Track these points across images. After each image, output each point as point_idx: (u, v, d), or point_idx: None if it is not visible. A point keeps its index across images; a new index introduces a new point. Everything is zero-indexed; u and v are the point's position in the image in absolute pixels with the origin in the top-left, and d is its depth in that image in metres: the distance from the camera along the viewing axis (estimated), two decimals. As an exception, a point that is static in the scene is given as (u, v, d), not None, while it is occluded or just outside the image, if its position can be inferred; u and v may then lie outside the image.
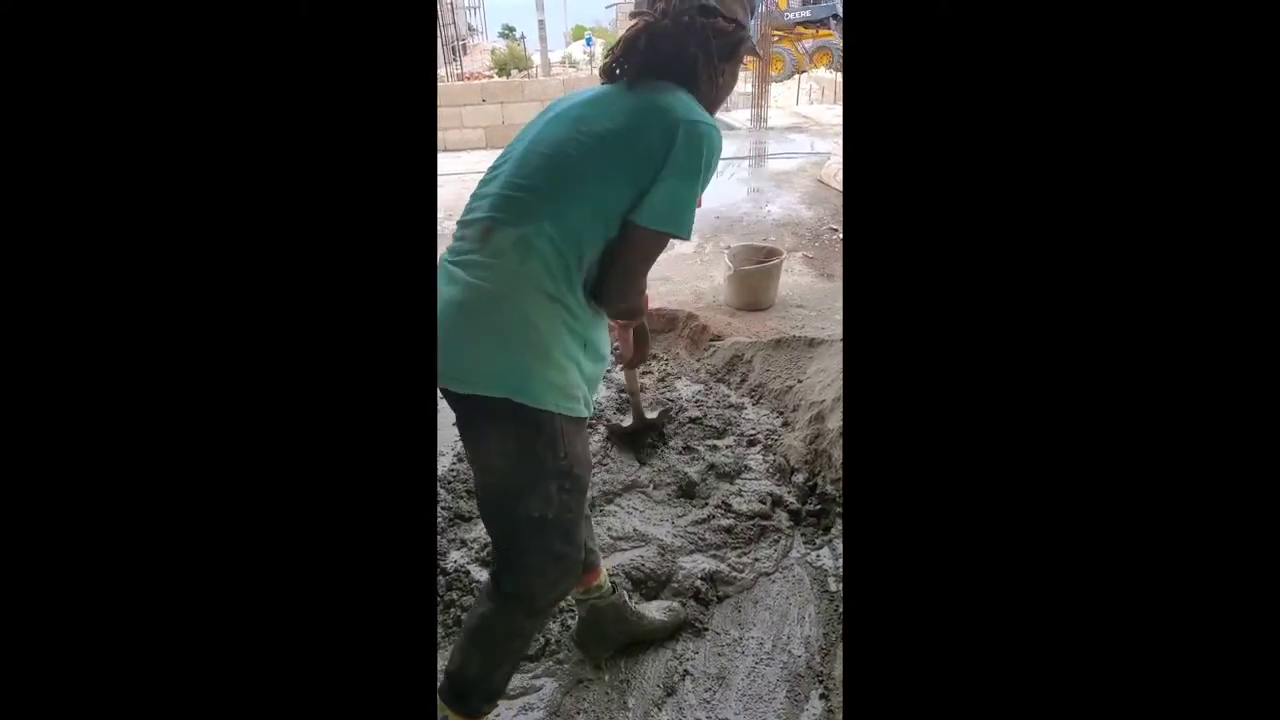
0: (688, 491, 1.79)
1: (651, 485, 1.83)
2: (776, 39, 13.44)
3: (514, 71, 8.34)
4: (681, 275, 3.55)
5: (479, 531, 1.66)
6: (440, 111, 6.87)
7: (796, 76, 12.07)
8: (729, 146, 7.04)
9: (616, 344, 1.43)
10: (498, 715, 1.27)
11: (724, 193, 5.30)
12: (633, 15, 1.03)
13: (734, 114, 9.21)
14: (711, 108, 1.05)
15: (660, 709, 1.28)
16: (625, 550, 1.62)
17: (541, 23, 9.74)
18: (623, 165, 0.91)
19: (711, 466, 1.86)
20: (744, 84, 9.77)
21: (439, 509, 1.73)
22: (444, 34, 10.58)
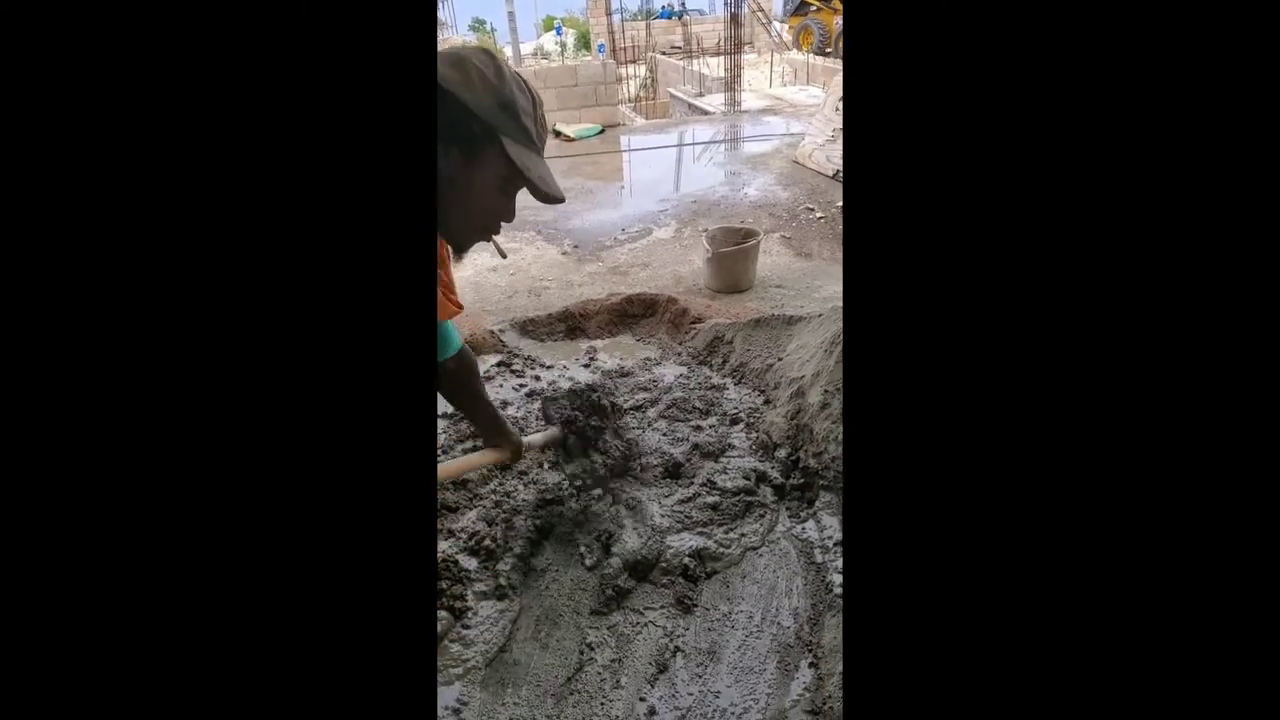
0: (673, 472, 1.80)
1: (638, 468, 1.84)
2: (814, 9, 13.15)
3: (485, 64, 8.28)
4: (661, 260, 3.55)
5: (465, 521, 1.66)
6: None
7: (770, 58, 12.04)
8: (706, 130, 7.04)
9: None
10: (490, 703, 1.28)
11: (701, 177, 5.30)
12: None
13: (708, 99, 9.18)
14: (454, 217, 0.83)
15: (653, 686, 1.29)
16: (613, 533, 1.63)
17: (511, 14, 9.65)
18: None
19: (696, 446, 1.87)
20: (719, 69, 9.75)
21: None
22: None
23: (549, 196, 0.87)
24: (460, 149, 0.81)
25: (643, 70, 12.56)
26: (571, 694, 1.28)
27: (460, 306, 0.97)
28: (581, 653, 1.36)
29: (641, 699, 1.27)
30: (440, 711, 1.27)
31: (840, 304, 2.30)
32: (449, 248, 0.92)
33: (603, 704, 1.26)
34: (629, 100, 11.25)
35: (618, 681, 1.30)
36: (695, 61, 11.56)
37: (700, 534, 1.60)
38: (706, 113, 8.56)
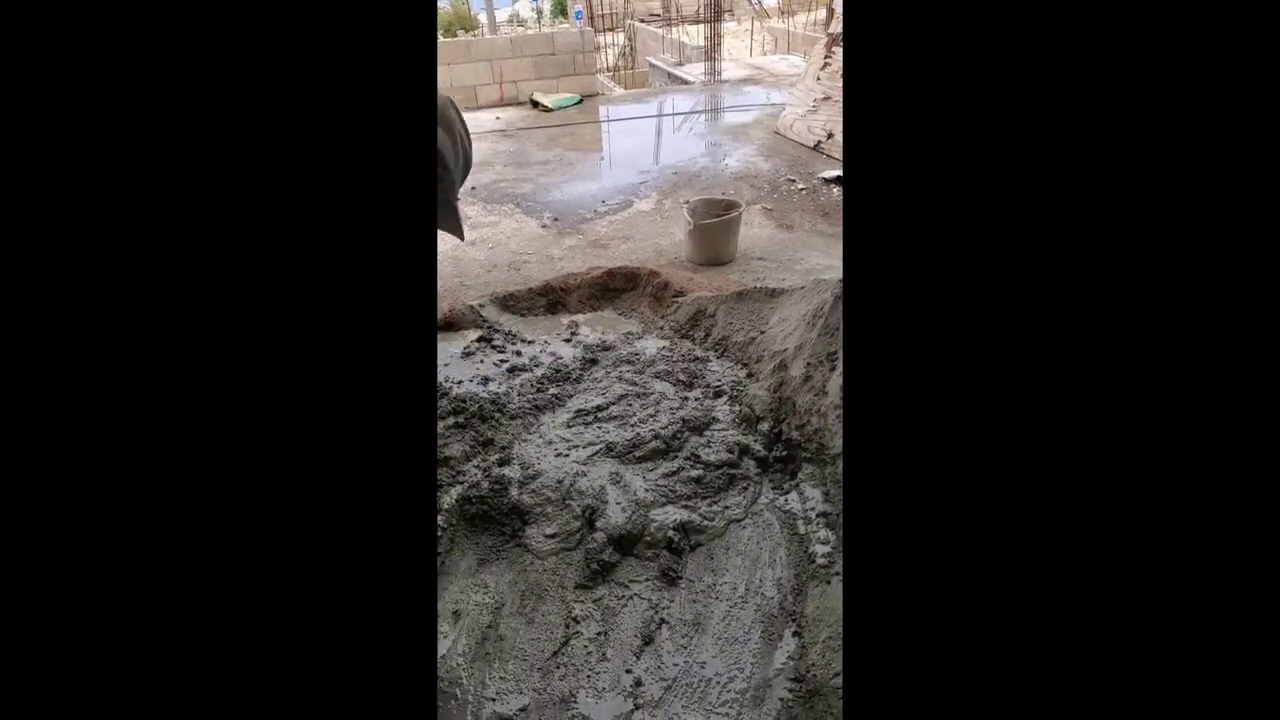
0: (658, 446, 1.80)
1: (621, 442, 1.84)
2: None
3: (460, 32, 8.04)
4: (642, 233, 3.52)
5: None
6: (384, 76, 6.58)
7: (751, 26, 11.86)
8: (686, 101, 6.96)
9: None
10: (487, 675, 1.28)
11: (682, 148, 5.24)
12: None
13: (688, 68, 9.05)
14: None
15: (639, 658, 1.30)
16: (597, 508, 1.63)
17: (485, -21, 9.36)
18: None
19: (681, 420, 1.87)
20: (699, 38, 9.59)
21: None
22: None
23: (462, 236, 1.04)
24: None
25: (621, 38, 12.33)
26: (558, 667, 1.29)
27: None
28: (567, 626, 1.37)
29: (628, 671, 1.28)
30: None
31: (822, 276, 2.29)
32: None
33: (589, 676, 1.27)
34: (607, 69, 11.05)
35: (604, 654, 1.31)
36: (675, 29, 11.36)
37: (685, 507, 1.61)
38: (686, 82, 8.44)
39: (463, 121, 0.97)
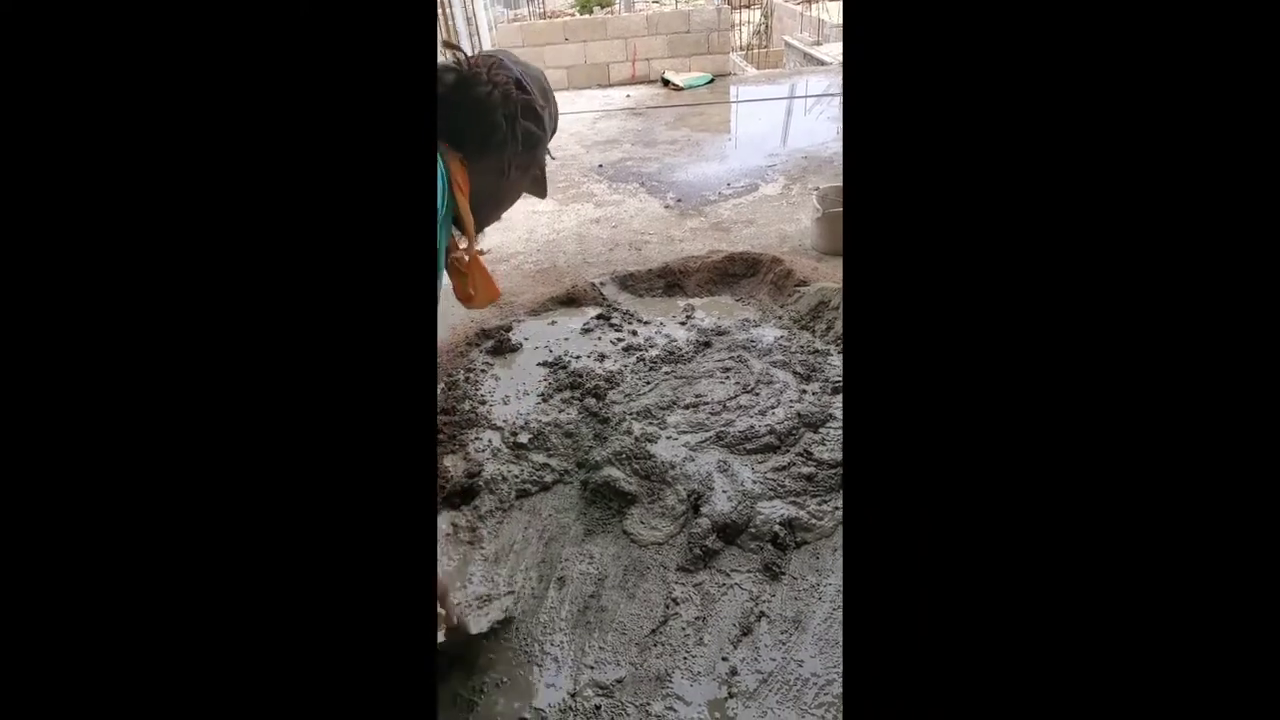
0: (770, 441, 1.77)
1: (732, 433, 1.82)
2: None
3: (596, 8, 8.12)
4: (767, 218, 3.44)
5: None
6: (523, 51, 6.79)
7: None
8: (820, 82, 6.71)
9: None
10: (583, 651, 1.33)
11: (812, 132, 5.06)
12: (445, 45, 0.94)
13: (826, 48, 8.70)
14: (486, 206, 0.99)
15: (736, 647, 1.30)
16: (703, 494, 1.63)
17: (625, -44, 9.39)
18: None
19: (797, 414, 1.83)
20: (836, 15, 9.18)
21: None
22: (527, -28, 10.38)
23: (546, 192, 1.09)
24: (525, 160, 1.01)
25: (757, 16, 12.00)
26: (655, 645, 1.32)
27: (500, 292, 1.13)
28: (667, 607, 1.39)
29: (724, 658, 1.28)
30: (533, 651, 1.33)
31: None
32: (467, 237, 1.04)
33: (685, 659, 1.29)
34: (740, 48, 10.80)
35: (701, 639, 1.32)
36: (814, 6, 10.92)
37: (793, 503, 1.58)
38: (823, 63, 8.11)
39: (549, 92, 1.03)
